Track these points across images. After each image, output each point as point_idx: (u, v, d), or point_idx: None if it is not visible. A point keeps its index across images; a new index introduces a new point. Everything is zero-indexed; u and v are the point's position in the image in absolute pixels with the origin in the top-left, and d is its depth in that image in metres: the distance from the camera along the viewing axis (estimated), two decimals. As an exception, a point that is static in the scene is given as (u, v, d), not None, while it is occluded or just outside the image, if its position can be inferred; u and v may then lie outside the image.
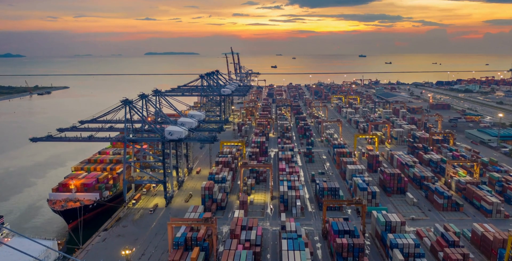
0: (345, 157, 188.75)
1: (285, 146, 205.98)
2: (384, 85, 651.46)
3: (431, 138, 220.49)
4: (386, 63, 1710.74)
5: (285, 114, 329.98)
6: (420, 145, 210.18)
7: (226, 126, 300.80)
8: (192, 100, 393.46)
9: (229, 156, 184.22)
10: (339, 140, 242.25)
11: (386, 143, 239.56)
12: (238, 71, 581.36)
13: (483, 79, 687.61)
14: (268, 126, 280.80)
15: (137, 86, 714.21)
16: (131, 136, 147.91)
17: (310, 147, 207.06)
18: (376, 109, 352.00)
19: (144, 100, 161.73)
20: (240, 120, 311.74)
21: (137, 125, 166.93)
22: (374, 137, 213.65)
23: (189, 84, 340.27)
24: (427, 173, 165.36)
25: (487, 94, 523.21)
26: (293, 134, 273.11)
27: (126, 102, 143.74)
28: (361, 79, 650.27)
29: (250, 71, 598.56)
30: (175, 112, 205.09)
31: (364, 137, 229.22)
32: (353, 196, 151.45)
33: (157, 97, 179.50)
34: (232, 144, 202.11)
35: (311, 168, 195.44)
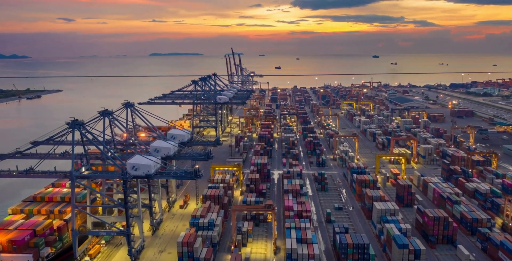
0: (367, 186, 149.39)
1: (291, 170, 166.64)
2: (394, 87, 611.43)
3: (469, 158, 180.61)
4: (391, 63, 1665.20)
5: (290, 124, 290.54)
6: (458, 169, 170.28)
7: (223, 139, 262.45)
8: (187, 107, 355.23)
9: (221, 186, 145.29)
10: (355, 158, 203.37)
11: (411, 161, 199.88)
12: (239, 73, 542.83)
13: (500, 81, 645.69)
14: (271, 139, 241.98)
15: (134, 89, 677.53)
16: (83, 170, 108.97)
17: (323, 172, 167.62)
18: (393, 118, 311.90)
19: (107, 119, 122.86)
20: (239, 132, 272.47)
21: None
22: (401, 158, 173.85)
23: (184, 89, 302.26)
24: (480, 213, 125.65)
25: (508, 98, 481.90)
26: (300, 149, 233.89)
27: (74, 125, 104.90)
28: (370, 82, 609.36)
29: (252, 73, 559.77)
30: (163, 124, 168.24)
31: (388, 157, 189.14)
32: (385, 249, 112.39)
33: (129, 112, 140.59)
34: (226, 168, 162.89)
35: (324, 199, 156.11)
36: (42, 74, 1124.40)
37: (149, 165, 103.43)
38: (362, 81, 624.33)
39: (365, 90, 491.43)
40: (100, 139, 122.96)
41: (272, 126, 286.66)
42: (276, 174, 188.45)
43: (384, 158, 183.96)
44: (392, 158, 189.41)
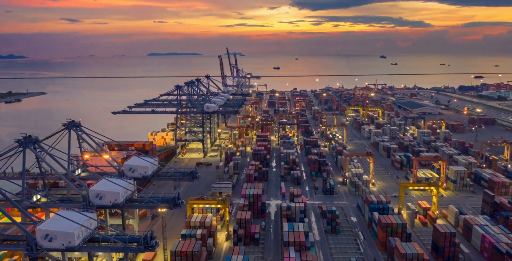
0: (395, 232, 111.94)
1: (292, 204, 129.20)
2: (400, 90, 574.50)
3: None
4: (391, 64, 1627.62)
5: (290, 135, 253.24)
6: (506, 202, 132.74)
7: (211, 154, 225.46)
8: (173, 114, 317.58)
9: (199, 233, 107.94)
10: (370, 183, 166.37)
11: (440, 188, 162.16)
12: (235, 74, 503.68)
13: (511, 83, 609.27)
14: (268, 156, 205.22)
15: (123, 92, 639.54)
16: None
17: (334, 209, 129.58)
18: (407, 127, 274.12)
19: (30, 149, 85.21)
20: (231, 145, 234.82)
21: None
22: (432, 188, 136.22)
23: (173, 92, 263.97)
24: None
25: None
26: (302, 168, 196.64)
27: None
28: (374, 84, 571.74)
29: (248, 75, 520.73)
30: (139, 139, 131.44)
31: (416, 188, 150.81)
32: None
33: (73, 133, 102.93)
34: (207, 205, 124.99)
35: (336, 247, 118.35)
36: (30, 75, 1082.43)
37: (72, 233, 65.53)
38: (366, 84, 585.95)
39: (372, 94, 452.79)
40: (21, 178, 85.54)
41: (269, 132, 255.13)
42: (273, 206, 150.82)
43: (411, 188, 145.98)
44: (421, 187, 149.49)
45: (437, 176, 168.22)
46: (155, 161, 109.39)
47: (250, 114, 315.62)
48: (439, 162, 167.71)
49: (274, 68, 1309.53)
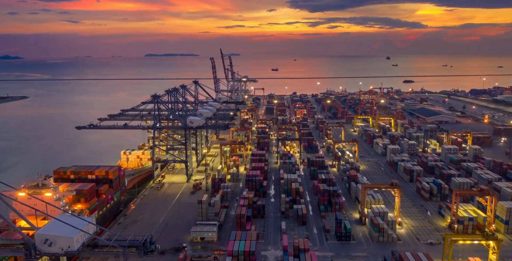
0: None
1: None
2: (408, 93, 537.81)
3: None
4: (392, 65, 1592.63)
5: (291, 152, 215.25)
6: None
7: (196, 177, 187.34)
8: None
9: None
10: (396, 223, 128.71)
11: (486, 229, 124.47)
12: (230, 77, 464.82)
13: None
14: (265, 182, 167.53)
15: (111, 96, 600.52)
16: None
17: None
18: (428, 142, 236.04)
19: None
20: (220, 167, 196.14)
21: None
22: (489, 243, 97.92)
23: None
24: None
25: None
26: (307, 196, 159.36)
27: None
28: (380, 88, 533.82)
29: (244, 79, 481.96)
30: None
31: (468, 242, 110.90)
32: None
33: None
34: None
35: None
36: (16, 77, 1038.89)
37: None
38: (371, 87, 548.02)
39: (382, 101, 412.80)
40: None
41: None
42: (271, 259, 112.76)
43: (461, 242, 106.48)
44: (474, 241, 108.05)
45: (483, 214, 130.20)
46: (88, 226, 70.64)
47: (246, 126, 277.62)
48: (487, 197, 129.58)
49: (272, 70, 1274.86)
